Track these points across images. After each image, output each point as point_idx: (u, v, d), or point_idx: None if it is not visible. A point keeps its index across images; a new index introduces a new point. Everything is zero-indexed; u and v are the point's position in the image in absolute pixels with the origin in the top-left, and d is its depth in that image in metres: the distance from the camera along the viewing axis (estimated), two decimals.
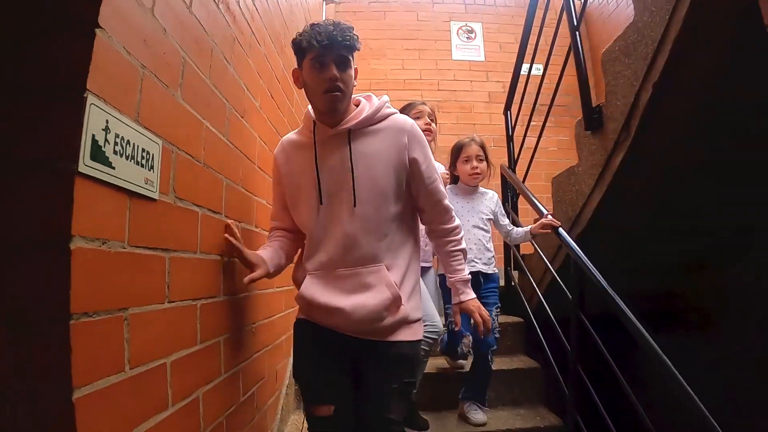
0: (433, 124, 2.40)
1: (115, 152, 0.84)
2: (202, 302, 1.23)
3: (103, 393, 0.82)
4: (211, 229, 1.31)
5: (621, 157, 2.06)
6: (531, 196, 2.72)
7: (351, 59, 1.41)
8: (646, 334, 1.59)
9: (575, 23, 2.35)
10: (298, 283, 1.51)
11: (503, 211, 2.64)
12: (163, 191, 1.03)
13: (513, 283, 3.22)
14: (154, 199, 0.99)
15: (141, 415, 0.93)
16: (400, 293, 1.42)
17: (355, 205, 1.40)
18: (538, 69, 3.18)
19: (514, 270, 3.30)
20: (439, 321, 2.18)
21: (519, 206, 3.37)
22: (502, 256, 3.43)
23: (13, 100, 0.78)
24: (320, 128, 1.46)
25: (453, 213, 1.60)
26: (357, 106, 1.49)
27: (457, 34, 5.19)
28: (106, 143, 0.82)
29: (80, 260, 0.76)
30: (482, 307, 1.61)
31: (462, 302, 1.61)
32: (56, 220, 0.74)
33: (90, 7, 0.81)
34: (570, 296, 2.20)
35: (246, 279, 1.38)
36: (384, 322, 1.41)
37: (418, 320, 1.52)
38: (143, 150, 0.94)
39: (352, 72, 1.42)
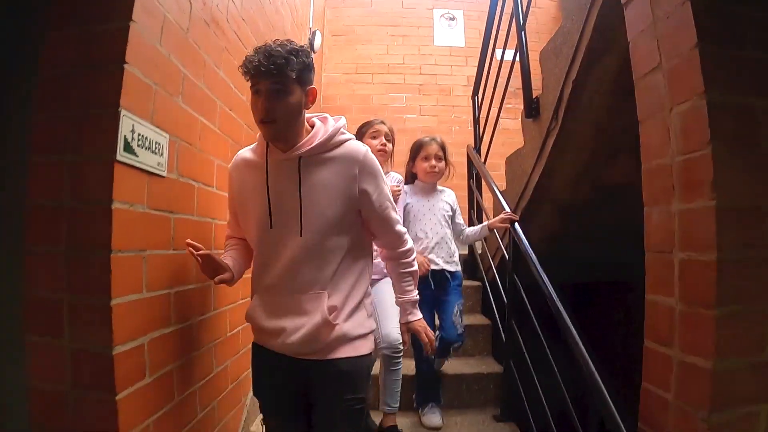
0: (389, 145, 2.43)
1: (138, 145, 1.25)
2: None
3: (129, 305, 1.25)
4: (204, 198, 1.72)
5: (552, 141, 2.45)
6: (491, 180, 3.08)
7: (289, 86, 1.36)
8: (551, 287, 2.00)
9: (521, 23, 2.72)
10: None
11: (459, 211, 2.75)
12: (170, 171, 1.45)
13: (476, 253, 3.64)
14: (163, 176, 1.41)
15: (151, 325, 1.37)
16: (339, 314, 1.43)
17: (301, 234, 1.41)
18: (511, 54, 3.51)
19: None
20: (397, 337, 2.16)
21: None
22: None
23: (77, 115, 1.19)
24: (272, 150, 1.45)
25: (405, 236, 1.62)
26: (313, 127, 1.48)
27: (439, 20, 5.51)
28: (132, 140, 1.23)
29: (118, 216, 1.19)
30: (428, 328, 1.67)
31: (409, 322, 1.67)
32: (104, 189, 1.16)
33: (119, 48, 1.21)
34: (508, 260, 2.61)
35: (216, 279, 1.45)
36: (320, 343, 1.42)
37: (361, 336, 1.49)
38: (156, 142, 1.34)
39: (293, 99, 1.37)
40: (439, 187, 2.70)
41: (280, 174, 1.44)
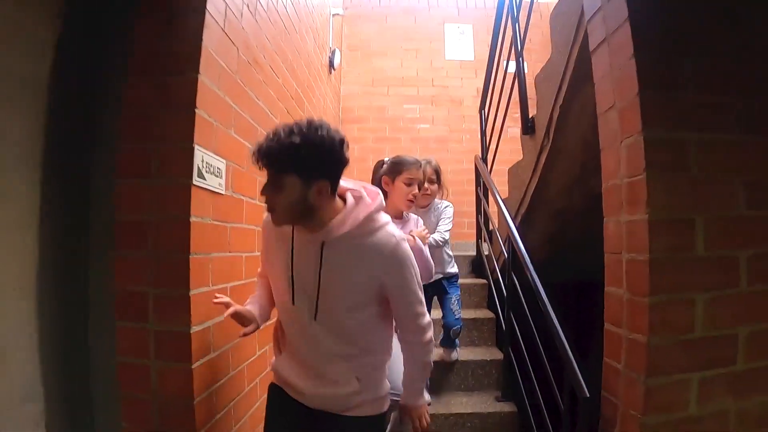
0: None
1: (206, 171, 1.62)
2: (246, 255, 2.03)
3: (200, 295, 1.63)
4: (250, 210, 2.09)
5: (545, 156, 2.77)
6: (494, 189, 3.36)
7: (283, 181, 1.30)
8: (537, 279, 2.33)
9: (519, 50, 3.05)
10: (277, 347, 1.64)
11: (445, 218, 2.93)
12: (226, 189, 1.82)
13: (484, 254, 3.96)
14: (222, 194, 1.78)
15: (214, 313, 1.73)
16: (362, 385, 1.48)
17: (315, 318, 1.44)
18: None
19: (484, 242, 4.05)
20: None
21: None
22: (474, 230, 4.21)
23: (156, 147, 1.57)
24: (299, 228, 1.43)
25: (427, 330, 1.56)
26: (345, 203, 1.42)
27: (450, 35, 5.85)
28: (203, 167, 1.60)
29: (193, 227, 1.56)
30: (425, 415, 1.66)
31: (409, 406, 1.66)
32: (184, 207, 1.54)
33: (191, 96, 1.58)
34: (507, 259, 2.95)
35: (240, 333, 1.56)
36: (343, 406, 1.49)
37: (382, 396, 1.56)
38: (217, 167, 1.71)
39: (290, 194, 1.31)
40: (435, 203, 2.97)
41: (302, 252, 1.43)
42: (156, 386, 1.61)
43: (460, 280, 3.19)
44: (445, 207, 2.95)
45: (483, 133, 4.19)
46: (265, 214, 1.47)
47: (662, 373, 1.43)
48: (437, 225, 2.91)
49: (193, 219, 1.56)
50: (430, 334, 1.57)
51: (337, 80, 5.34)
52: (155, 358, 1.60)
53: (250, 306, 1.60)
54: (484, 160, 4.07)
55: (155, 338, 1.60)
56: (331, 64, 4.73)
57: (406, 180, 2.14)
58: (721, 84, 1.48)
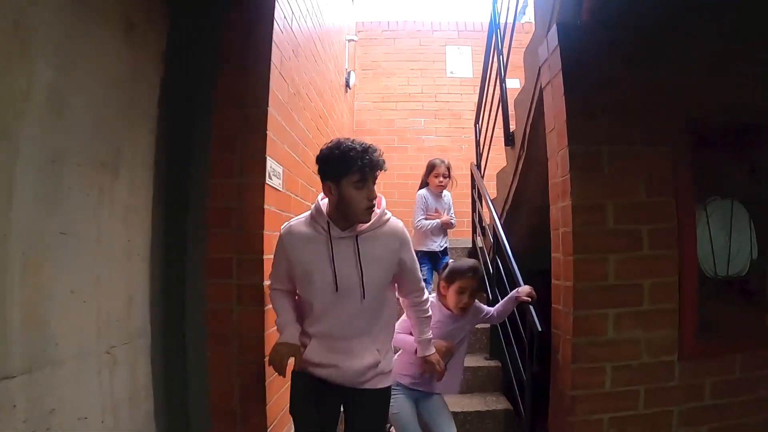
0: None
1: (272, 174, 2.34)
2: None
3: (269, 260, 2.33)
4: (294, 202, 2.80)
5: (521, 164, 3.45)
6: (485, 193, 4.06)
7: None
8: (511, 256, 3.02)
9: (503, 76, 3.75)
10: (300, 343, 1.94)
11: (452, 208, 4.08)
12: (283, 187, 2.54)
13: (478, 246, 4.65)
14: (280, 191, 2.50)
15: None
16: (381, 356, 1.89)
17: (364, 298, 1.81)
18: (514, 82, 4.48)
19: (478, 236, 4.73)
20: None
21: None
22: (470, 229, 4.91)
23: (239, 157, 2.29)
24: (333, 228, 1.82)
25: (425, 290, 2.05)
26: None
27: (451, 55, 6.58)
28: (270, 171, 2.32)
29: (266, 213, 2.28)
30: (441, 361, 2.12)
31: (427, 356, 2.09)
32: (259, 199, 2.27)
33: (263, 123, 2.30)
34: (492, 246, 3.64)
35: (296, 366, 1.91)
36: (365, 377, 1.86)
37: (389, 372, 1.96)
38: (278, 171, 2.43)
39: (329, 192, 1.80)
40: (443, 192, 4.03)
41: (341, 247, 1.82)
42: (236, 325, 2.31)
43: None
44: (449, 198, 4.09)
45: (477, 143, 4.90)
46: (283, 230, 1.94)
47: (585, 307, 2.12)
48: (449, 210, 3.96)
49: (266, 207, 2.28)
50: (425, 293, 2.08)
51: (351, 97, 6.08)
52: (237, 303, 2.31)
53: (293, 327, 1.95)
54: (479, 166, 4.77)
55: (237, 290, 2.30)
56: (347, 84, 5.46)
57: (459, 289, 2.28)
58: (625, 112, 2.18)
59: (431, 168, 3.97)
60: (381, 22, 6.71)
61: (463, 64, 6.55)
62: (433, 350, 2.11)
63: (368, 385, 1.88)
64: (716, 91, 2.23)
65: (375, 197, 1.79)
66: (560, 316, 2.23)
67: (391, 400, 2.06)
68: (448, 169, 3.96)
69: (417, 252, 2.45)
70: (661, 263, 2.18)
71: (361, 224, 1.81)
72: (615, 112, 2.18)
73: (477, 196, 4.69)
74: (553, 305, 2.33)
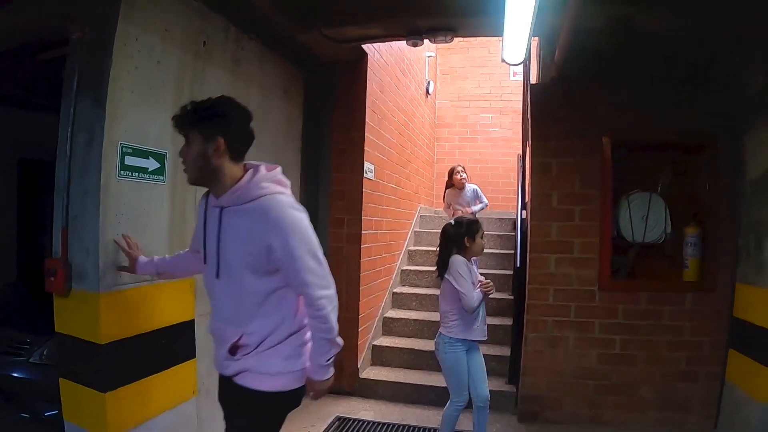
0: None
1: (368, 170, 4.18)
2: (381, 207, 4.59)
3: (366, 219, 4.19)
4: (384, 187, 4.61)
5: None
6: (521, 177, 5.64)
7: (190, 135, 1.55)
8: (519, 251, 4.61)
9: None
10: None
11: (480, 192, 5.58)
12: (375, 177, 4.37)
13: (521, 217, 6.17)
14: (372, 180, 4.33)
15: (372, 239, 4.29)
16: (248, 350, 1.60)
17: (217, 276, 1.62)
18: None
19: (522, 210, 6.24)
20: (488, 395, 2.93)
21: None
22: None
23: (352, 161, 4.15)
24: (210, 195, 1.67)
25: (321, 302, 1.58)
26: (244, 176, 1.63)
27: None
28: (366, 169, 4.15)
29: (364, 195, 4.15)
30: (323, 392, 1.74)
31: (313, 381, 1.70)
32: (360, 185, 4.14)
33: (362, 141, 4.13)
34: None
35: (118, 267, 1.96)
36: (228, 369, 1.67)
37: (271, 374, 1.62)
38: (371, 168, 4.26)
39: (196, 148, 1.54)
40: (466, 186, 5.55)
41: (211, 217, 1.65)
42: (345, 256, 4.17)
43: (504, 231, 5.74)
44: (474, 188, 5.56)
45: (523, 138, 6.38)
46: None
47: (538, 251, 3.73)
48: (475, 199, 5.48)
49: (364, 190, 4.11)
50: (326, 308, 1.60)
51: (433, 98, 7.73)
52: (346, 244, 4.17)
53: (148, 258, 1.96)
54: (523, 157, 6.26)
55: (346, 235, 4.18)
56: (427, 92, 7.12)
57: (481, 234, 2.99)
58: (569, 137, 3.69)
59: (451, 171, 5.53)
60: None
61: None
62: (322, 379, 1.71)
63: (238, 380, 1.67)
64: (634, 120, 3.61)
65: (181, 153, 1.63)
66: (527, 257, 3.85)
67: (451, 354, 2.78)
68: (463, 168, 5.52)
69: None
70: (586, 230, 3.67)
71: (226, 195, 1.61)
72: (560, 137, 3.69)
73: (522, 179, 6.22)
74: (529, 254, 3.93)
